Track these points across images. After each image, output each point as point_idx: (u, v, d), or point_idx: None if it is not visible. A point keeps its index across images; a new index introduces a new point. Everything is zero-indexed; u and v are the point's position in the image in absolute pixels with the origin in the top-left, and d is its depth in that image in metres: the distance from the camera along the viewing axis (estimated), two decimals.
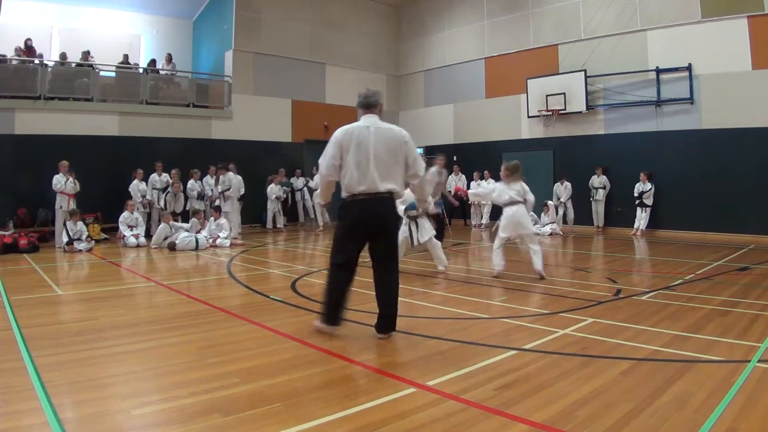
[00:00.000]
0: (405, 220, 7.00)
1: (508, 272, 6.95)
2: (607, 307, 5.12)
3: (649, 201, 12.33)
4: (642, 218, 12.45)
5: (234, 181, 11.83)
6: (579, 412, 2.69)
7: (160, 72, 14.72)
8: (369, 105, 4.21)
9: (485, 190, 7.75)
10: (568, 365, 3.44)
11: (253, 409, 2.77)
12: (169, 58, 14.85)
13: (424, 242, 7.09)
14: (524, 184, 6.78)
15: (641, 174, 12.35)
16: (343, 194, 4.10)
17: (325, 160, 4.13)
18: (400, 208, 6.91)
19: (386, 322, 4.13)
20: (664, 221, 12.29)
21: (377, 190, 3.96)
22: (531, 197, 6.83)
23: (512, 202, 6.72)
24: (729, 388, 2.94)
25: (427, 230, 7.08)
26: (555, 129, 14.19)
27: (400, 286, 4.27)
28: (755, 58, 10.96)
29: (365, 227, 4.05)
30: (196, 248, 9.85)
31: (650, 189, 12.24)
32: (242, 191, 12.02)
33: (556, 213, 13.19)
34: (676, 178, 12.00)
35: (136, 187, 11.60)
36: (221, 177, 11.75)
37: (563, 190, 13.47)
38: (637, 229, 12.41)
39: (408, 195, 6.46)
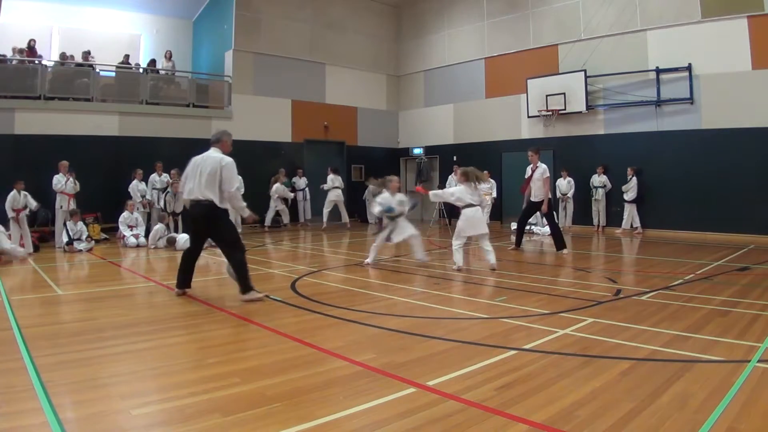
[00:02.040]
0: (386, 221, 7.73)
1: (505, 271, 6.96)
2: (607, 307, 5.12)
3: (628, 196, 12.49)
4: (624, 216, 12.64)
5: None
6: (579, 412, 2.69)
7: (160, 72, 14.72)
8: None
9: (444, 192, 8.02)
10: (568, 365, 3.44)
11: (253, 409, 2.77)
12: (169, 56, 14.84)
13: (404, 239, 7.78)
14: (486, 186, 7.33)
15: (628, 169, 12.48)
16: None
17: None
18: (377, 209, 7.41)
19: None
20: (664, 221, 12.29)
21: None
22: (487, 199, 7.42)
23: (470, 205, 7.31)
24: (729, 388, 2.94)
25: (403, 229, 7.74)
26: (555, 129, 14.20)
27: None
28: (755, 58, 10.96)
29: None
30: None
31: (633, 184, 12.41)
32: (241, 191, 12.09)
33: (564, 209, 13.27)
34: (677, 178, 12.00)
35: (136, 187, 11.60)
36: None
37: (566, 185, 13.47)
38: (626, 229, 12.57)
39: (385, 199, 7.55)
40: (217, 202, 5.41)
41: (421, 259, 7.85)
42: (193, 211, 5.57)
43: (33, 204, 9.84)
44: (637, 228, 12.57)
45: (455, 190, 7.56)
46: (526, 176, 9.30)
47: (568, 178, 13.45)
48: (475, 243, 11.49)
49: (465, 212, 7.37)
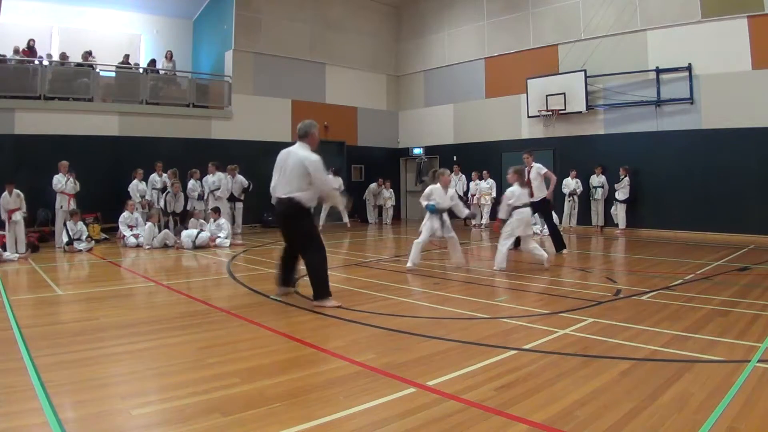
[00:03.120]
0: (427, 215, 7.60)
1: (505, 271, 6.97)
2: (607, 307, 5.12)
3: (619, 196, 12.57)
4: (619, 215, 12.70)
5: (224, 181, 11.92)
6: (579, 412, 2.69)
7: (160, 72, 14.72)
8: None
9: (507, 198, 7.63)
10: (568, 365, 3.44)
11: (253, 409, 2.77)
12: (170, 56, 14.84)
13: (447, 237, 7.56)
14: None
15: (620, 169, 12.53)
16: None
17: None
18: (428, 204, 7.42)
19: None
20: (664, 221, 12.29)
21: None
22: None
23: (525, 205, 7.40)
24: (729, 388, 2.94)
25: (449, 227, 7.56)
26: (555, 129, 14.20)
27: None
28: (755, 58, 10.96)
29: None
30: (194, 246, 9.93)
31: (625, 184, 12.51)
32: (245, 186, 12.49)
33: (572, 209, 13.38)
34: (677, 178, 12.00)
35: (136, 187, 11.60)
36: (209, 177, 12.11)
37: (574, 184, 13.48)
38: (624, 229, 12.62)
39: (436, 192, 7.43)
40: (297, 199, 5.17)
41: (458, 263, 7.64)
42: (276, 208, 5.43)
43: (23, 208, 9.51)
44: (618, 227, 12.69)
45: (515, 191, 7.42)
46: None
47: (576, 179, 13.45)
48: (476, 242, 11.50)
49: (520, 212, 7.31)
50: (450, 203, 7.53)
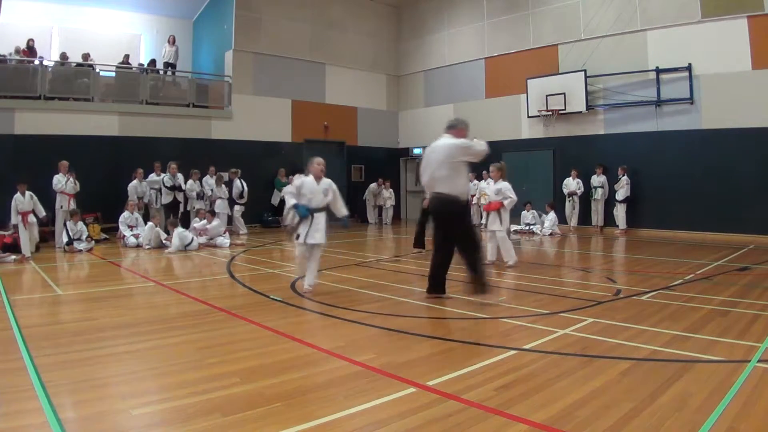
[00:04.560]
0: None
1: (505, 271, 6.96)
2: (607, 307, 5.12)
3: (619, 195, 12.59)
4: (619, 215, 12.72)
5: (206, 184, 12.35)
6: (579, 412, 2.69)
7: (160, 72, 14.72)
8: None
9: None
10: (568, 365, 3.44)
11: (253, 409, 2.77)
12: (173, 40, 14.78)
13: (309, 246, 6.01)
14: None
15: (619, 168, 12.54)
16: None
17: None
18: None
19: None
20: (664, 221, 12.29)
21: None
22: None
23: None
24: (729, 388, 2.94)
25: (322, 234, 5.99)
26: (555, 129, 14.19)
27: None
28: (755, 58, 10.95)
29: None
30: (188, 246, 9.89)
31: (624, 184, 12.49)
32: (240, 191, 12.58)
33: (572, 209, 13.41)
34: (677, 178, 11.99)
35: (135, 187, 11.60)
36: (209, 178, 12.45)
37: (575, 184, 13.47)
38: (624, 229, 12.64)
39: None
40: (453, 193, 5.11)
41: (307, 286, 5.98)
42: (435, 206, 5.30)
43: (41, 212, 9.41)
44: (619, 227, 12.69)
45: (509, 186, 7.73)
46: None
47: (577, 179, 13.45)
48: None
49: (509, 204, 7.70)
50: (324, 199, 5.95)
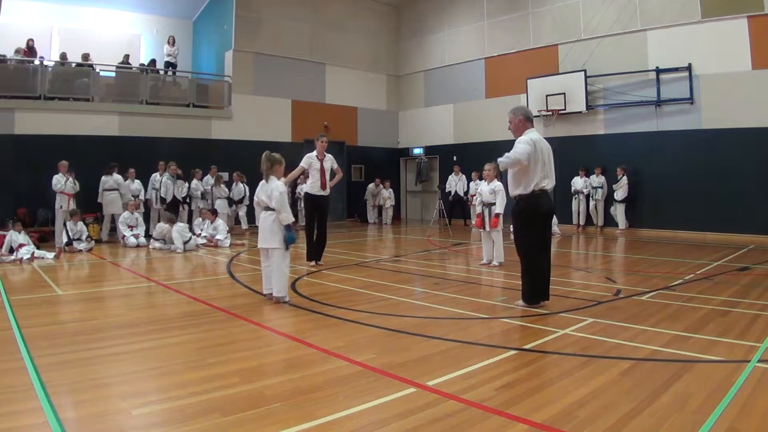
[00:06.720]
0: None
1: (505, 271, 6.95)
2: (607, 307, 5.12)
3: (618, 195, 12.62)
4: (618, 215, 12.75)
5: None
6: (579, 412, 2.69)
7: (160, 72, 14.72)
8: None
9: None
10: (568, 365, 3.44)
11: (253, 409, 2.77)
12: (172, 41, 14.80)
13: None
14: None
15: (618, 168, 12.55)
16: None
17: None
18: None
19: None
20: (664, 221, 12.29)
21: None
22: None
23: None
24: (729, 388, 2.94)
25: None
26: (555, 129, 14.18)
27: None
28: (755, 58, 10.95)
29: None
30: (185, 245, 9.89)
31: (623, 184, 12.54)
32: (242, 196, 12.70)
33: (579, 208, 13.39)
34: (677, 178, 11.99)
35: (128, 186, 11.63)
36: (209, 178, 12.63)
37: (582, 183, 13.46)
38: (623, 229, 12.61)
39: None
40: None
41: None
42: (547, 204, 5.07)
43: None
44: (620, 227, 12.70)
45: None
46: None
47: (585, 178, 13.44)
48: (476, 242, 11.49)
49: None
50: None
